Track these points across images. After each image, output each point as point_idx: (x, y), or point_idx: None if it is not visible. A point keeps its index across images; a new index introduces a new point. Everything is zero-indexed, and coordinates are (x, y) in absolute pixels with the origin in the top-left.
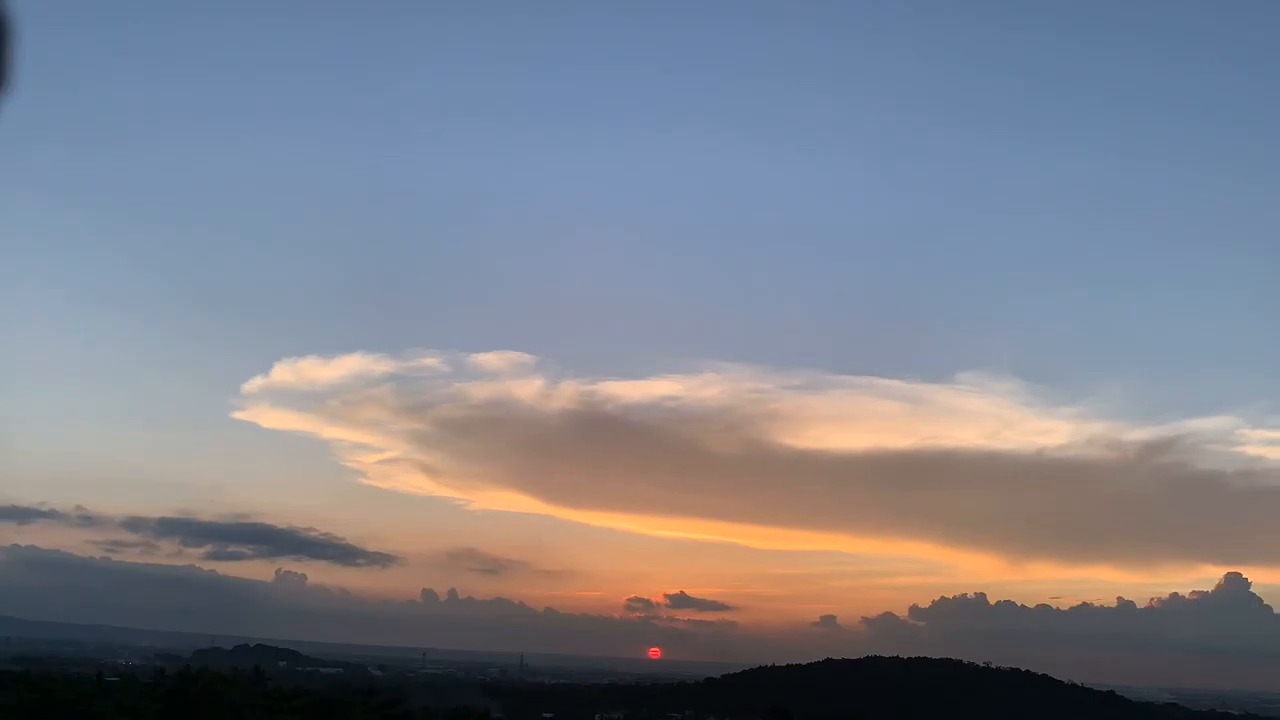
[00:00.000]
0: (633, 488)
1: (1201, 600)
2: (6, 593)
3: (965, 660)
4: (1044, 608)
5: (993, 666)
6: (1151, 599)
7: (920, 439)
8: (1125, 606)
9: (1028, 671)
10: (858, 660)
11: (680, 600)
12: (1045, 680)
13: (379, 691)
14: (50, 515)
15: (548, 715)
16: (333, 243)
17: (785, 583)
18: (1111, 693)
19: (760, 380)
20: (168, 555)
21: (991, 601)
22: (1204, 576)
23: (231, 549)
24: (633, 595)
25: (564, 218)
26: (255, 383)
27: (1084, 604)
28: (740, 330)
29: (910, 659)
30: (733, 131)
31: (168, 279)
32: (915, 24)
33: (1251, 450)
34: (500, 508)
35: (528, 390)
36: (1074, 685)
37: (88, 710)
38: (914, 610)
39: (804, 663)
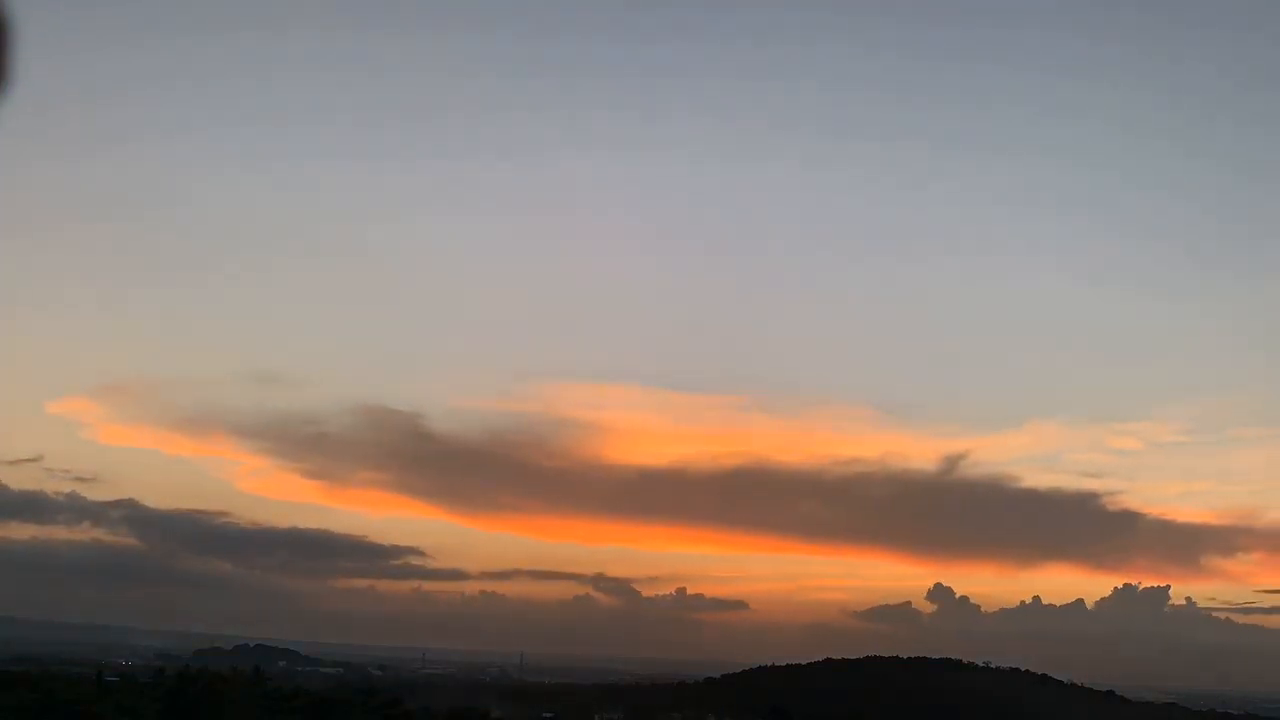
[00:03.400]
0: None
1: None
2: (6, 592)
3: (965, 660)
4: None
5: (993, 666)
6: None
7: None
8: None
9: (1027, 671)
10: (858, 660)
11: (688, 599)
12: (1045, 680)
13: (379, 691)
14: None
15: (548, 715)
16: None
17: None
18: (1111, 692)
19: (590, 393)
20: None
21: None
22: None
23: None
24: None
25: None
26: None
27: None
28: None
29: (910, 659)
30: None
31: None
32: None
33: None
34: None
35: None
36: (1074, 685)
37: (88, 710)
38: (854, 613)
39: (804, 662)
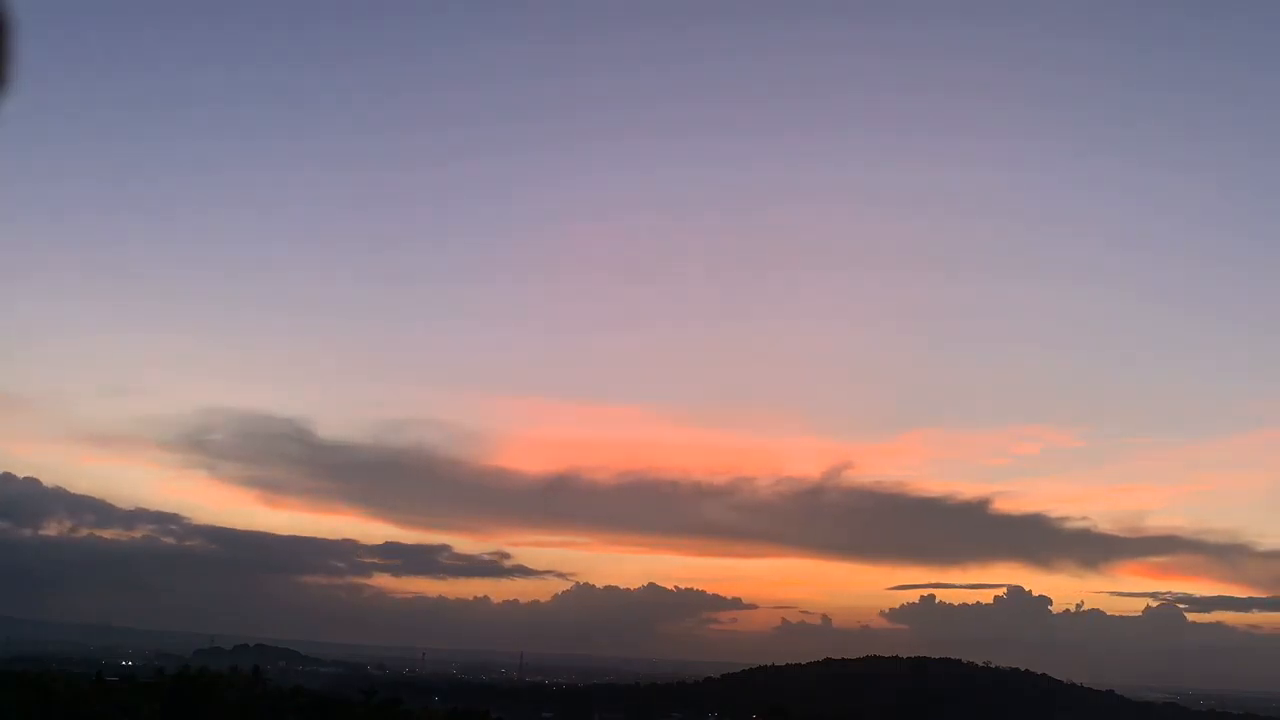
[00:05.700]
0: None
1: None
2: (6, 591)
3: (965, 660)
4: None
5: (993, 666)
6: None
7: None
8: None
9: (1027, 671)
10: (857, 660)
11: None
12: (1045, 680)
13: (378, 691)
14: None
15: (548, 715)
16: None
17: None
18: (1111, 692)
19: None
20: None
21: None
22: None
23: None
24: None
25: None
26: None
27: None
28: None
29: (910, 659)
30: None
31: None
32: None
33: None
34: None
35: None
36: (1074, 685)
37: (88, 710)
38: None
39: (804, 662)
